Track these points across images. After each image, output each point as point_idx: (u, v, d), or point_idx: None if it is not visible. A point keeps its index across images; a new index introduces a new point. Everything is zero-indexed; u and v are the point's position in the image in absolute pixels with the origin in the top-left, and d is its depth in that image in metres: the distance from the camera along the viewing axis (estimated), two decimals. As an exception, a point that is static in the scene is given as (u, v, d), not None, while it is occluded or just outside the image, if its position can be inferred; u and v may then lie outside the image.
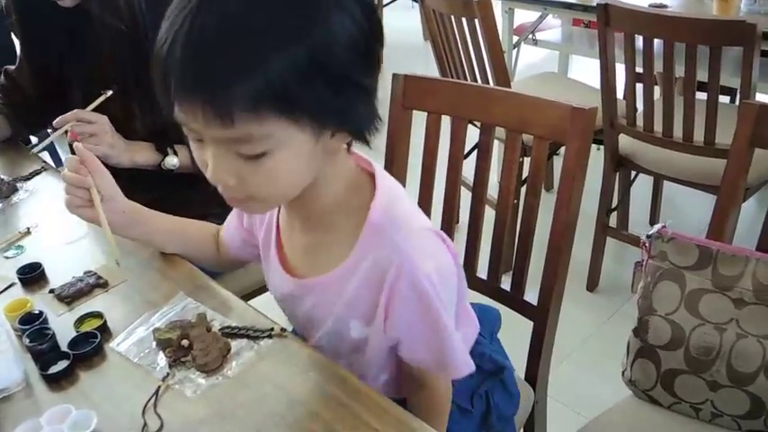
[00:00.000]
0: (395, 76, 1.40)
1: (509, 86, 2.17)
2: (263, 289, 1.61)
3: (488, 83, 2.20)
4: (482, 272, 1.37)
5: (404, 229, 0.84)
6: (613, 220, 2.40)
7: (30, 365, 0.95)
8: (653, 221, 1.51)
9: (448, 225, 1.39)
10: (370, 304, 0.86)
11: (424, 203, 1.41)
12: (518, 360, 1.28)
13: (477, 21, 2.05)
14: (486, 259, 1.34)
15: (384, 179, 0.89)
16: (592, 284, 2.39)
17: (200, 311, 1.00)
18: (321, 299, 0.92)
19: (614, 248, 2.45)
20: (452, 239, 1.37)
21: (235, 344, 0.95)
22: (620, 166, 2.20)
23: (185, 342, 0.94)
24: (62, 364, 0.93)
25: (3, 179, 1.43)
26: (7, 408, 0.89)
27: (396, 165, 1.42)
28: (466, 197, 1.39)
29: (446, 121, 1.35)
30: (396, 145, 1.43)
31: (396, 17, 4.96)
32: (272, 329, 0.96)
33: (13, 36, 1.64)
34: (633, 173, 2.32)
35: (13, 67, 1.61)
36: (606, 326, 2.23)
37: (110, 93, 1.36)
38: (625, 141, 2.14)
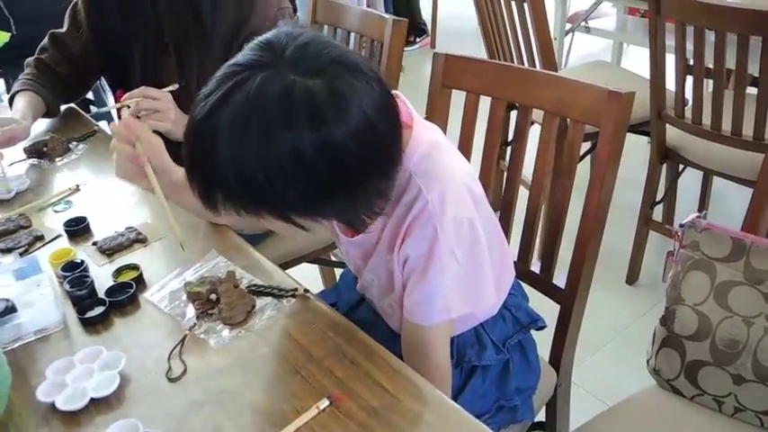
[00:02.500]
0: (436, 55, 1.42)
1: (556, 72, 2.15)
2: (298, 260, 1.65)
3: (536, 68, 2.18)
4: (513, 255, 1.38)
5: (434, 178, 0.89)
6: (658, 214, 2.36)
7: (69, 310, 1.01)
8: (700, 217, 1.50)
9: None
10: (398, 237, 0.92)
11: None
12: (543, 344, 1.29)
13: (526, 4, 2.03)
14: (518, 241, 1.35)
15: (424, 130, 0.93)
16: (631, 277, 2.35)
17: (230, 269, 1.04)
18: (367, 244, 0.99)
19: (658, 242, 2.41)
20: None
21: (260, 301, 0.99)
22: (666, 158, 2.16)
23: (213, 296, 0.98)
24: (98, 310, 0.99)
25: (57, 138, 1.51)
26: (45, 347, 0.95)
27: (432, 143, 1.44)
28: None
29: (486, 103, 1.36)
30: (433, 123, 1.44)
31: (452, 2, 4.94)
32: (295, 290, 1.00)
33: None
34: (681, 166, 2.28)
35: (61, 31, 1.62)
36: (643, 320, 2.20)
37: (176, 86, 1.40)
38: (673, 133, 2.10)
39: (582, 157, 1.58)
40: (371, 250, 0.99)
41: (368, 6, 4.30)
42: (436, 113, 1.43)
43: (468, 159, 1.41)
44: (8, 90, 3.14)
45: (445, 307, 0.91)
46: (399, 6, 4.66)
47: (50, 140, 1.49)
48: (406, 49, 4.61)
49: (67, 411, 0.82)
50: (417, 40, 4.72)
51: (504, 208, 1.37)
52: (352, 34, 1.82)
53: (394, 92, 0.93)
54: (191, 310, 0.98)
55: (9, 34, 3.23)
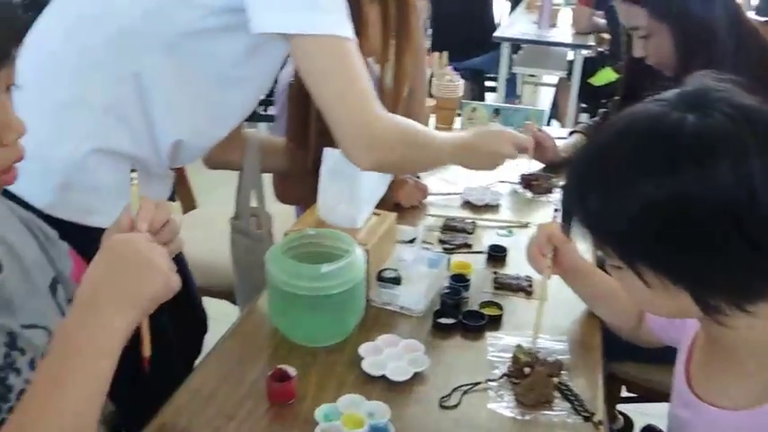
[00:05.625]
0: None
1: None
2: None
3: None
4: None
5: None
6: None
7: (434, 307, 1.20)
8: None
9: None
10: None
11: None
12: None
13: None
14: None
15: None
16: None
17: (561, 359, 1.07)
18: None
19: None
20: None
21: (557, 401, 1.00)
22: None
23: (527, 370, 1.03)
24: (449, 320, 1.16)
25: (546, 176, 1.71)
26: (397, 320, 1.18)
27: None
28: None
29: None
30: None
31: None
32: (593, 414, 0.97)
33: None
34: None
35: None
36: None
37: None
38: None
39: None
40: None
41: None
42: None
43: None
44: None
45: None
46: None
47: (541, 176, 1.70)
48: None
49: (369, 374, 1.03)
50: None
51: None
52: None
53: None
54: (504, 368, 1.06)
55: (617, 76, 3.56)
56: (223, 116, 1.23)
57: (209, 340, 1.54)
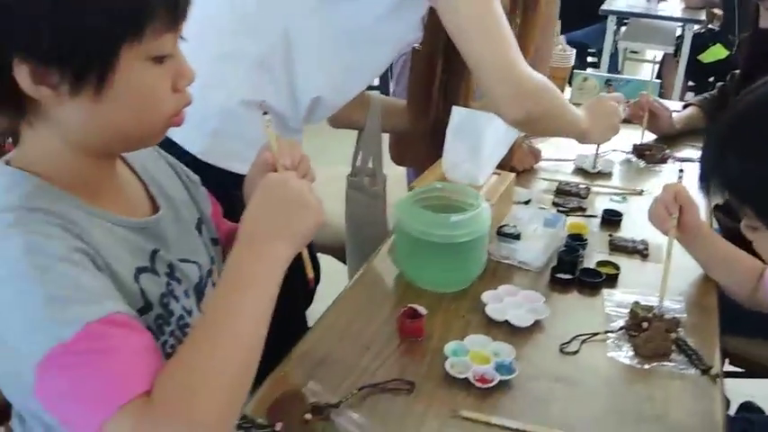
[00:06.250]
0: None
1: None
2: None
3: None
4: None
5: None
6: None
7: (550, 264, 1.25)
8: None
9: None
10: None
11: None
12: None
13: None
14: None
15: None
16: None
17: (678, 317, 1.10)
18: None
19: None
20: None
21: (674, 355, 1.04)
22: None
23: (645, 324, 1.07)
24: (567, 276, 1.21)
25: (659, 147, 1.72)
26: (515, 274, 1.24)
27: None
28: None
29: None
30: None
31: None
32: (710, 368, 1.01)
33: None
34: None
35: None
36: None
37: None
38: None
39: None
40: None
41: None
42: None
43: None
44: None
45: None
46: None
47: (654, 147, 1.71)
48: None
49: (492, 318, 1.10)
50: None
51: None
52: None
53: None
54: (621, 322, 1.10)
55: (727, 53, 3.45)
56: (361, 74, 1.31)
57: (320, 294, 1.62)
